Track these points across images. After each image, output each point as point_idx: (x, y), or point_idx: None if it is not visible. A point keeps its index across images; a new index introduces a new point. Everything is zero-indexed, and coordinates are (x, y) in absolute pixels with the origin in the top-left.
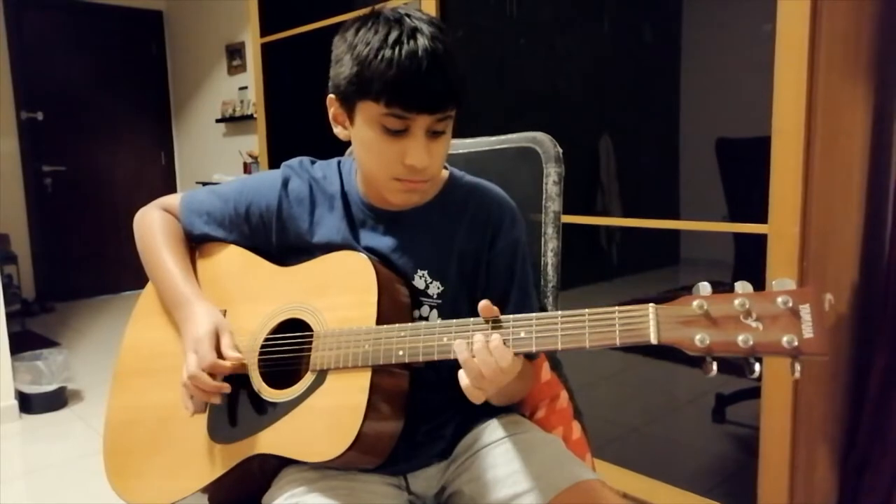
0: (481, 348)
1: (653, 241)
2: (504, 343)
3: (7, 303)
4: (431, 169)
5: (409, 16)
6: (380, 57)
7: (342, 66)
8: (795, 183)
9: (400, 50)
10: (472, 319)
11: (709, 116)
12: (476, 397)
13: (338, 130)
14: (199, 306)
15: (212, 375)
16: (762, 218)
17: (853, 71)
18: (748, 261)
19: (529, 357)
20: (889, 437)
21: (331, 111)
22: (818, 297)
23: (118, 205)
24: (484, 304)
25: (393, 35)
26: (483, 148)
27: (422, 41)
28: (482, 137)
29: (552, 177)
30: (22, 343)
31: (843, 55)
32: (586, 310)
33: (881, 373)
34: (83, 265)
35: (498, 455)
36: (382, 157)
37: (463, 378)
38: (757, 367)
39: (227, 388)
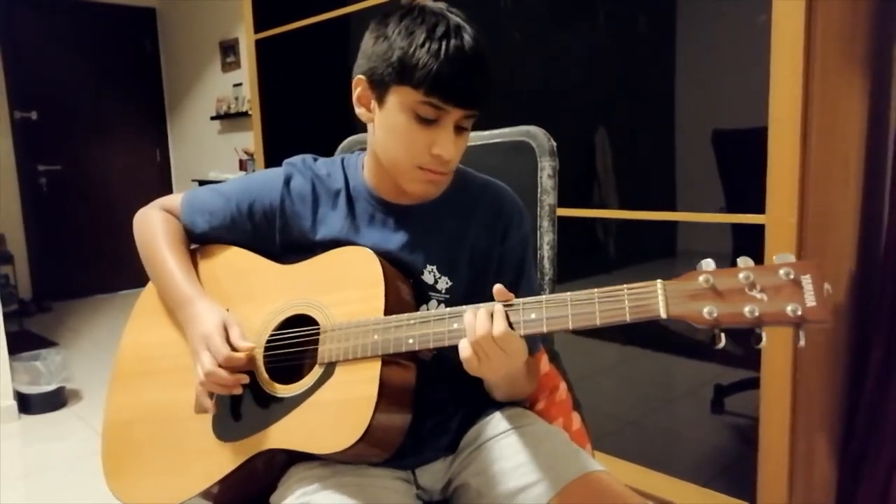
0: (483, 314)
1: (650, 234)
2: (512, 326)
3: (4, 303)
4: (454, 162)
5: (451, 12)
6: (426, 47)
7: (381, 50)
8: (792, 173)
9: (447, 43)
10: (482, 305)
11: (705, 108)
12: (473, 368)
13: (360, 111)
14: (202, 305)
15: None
16: (759, 208)
17: (849, 61)
18: (746, 252)
19: (530, 352)
20: (886, 428)
21: (356, 91)
22: (818, 268)
23: (114, 203)
24: (498, 288)
25: (440, 28)
26: (477, 142)
27: (467, 38)
28: (476, 132)
29: (547, 170)
30: (20, 343)
31: (838, 45)
32: (595, 289)
33: (878, 363)
34: (80, 264)
35: (503, 447)
36: (410, 143)
37: (465, 348)
38: (763, 337)
39: (246, 378)
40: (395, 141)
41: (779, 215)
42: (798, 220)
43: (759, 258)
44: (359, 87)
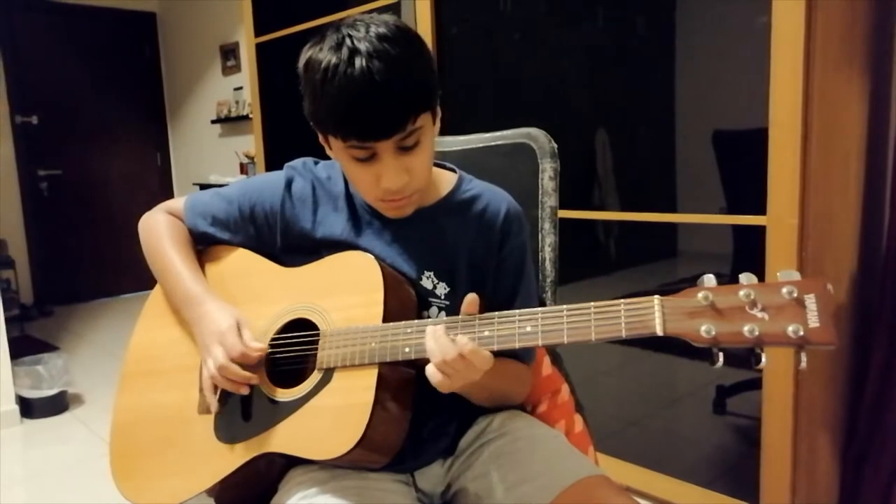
0: (443, 337)
1: (651, 235)
2: (505, 336)
3: (5, 308)
4: (413, 183)
5: (350, 35)
6: (323, 93)
7: (305, 99)
8: (793, 174)
9: (339, 81)
10: (477, 316)
11: (705, 109)
12: (441, 385)
13: (329, 152)
14: (212, 303)
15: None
16: (760, 209)
17: (849, 61)
18: (746, 252)
19: (524, 359)
20: (888, 429)
21: (320, 138)
22: (824, 288)
23: (115, 207)
24: (470, 298)
25: (332, 64)
26: (478, 145)
27: (359, 64)
28: (477, 134)
29: (548, 172)
30: (21, 348)
31: (838, 46)
32: (591, 303)
33: (880, 364)
34: (81, 269)
35: (500, 451)
36: (360, 182)
37: (433, 374)
38: (763, 357)
39: (256, 378)
40: (351, 181)
41: (780, 216)
42: (799, 220)
43: (760, 259)
44: (317, 133)
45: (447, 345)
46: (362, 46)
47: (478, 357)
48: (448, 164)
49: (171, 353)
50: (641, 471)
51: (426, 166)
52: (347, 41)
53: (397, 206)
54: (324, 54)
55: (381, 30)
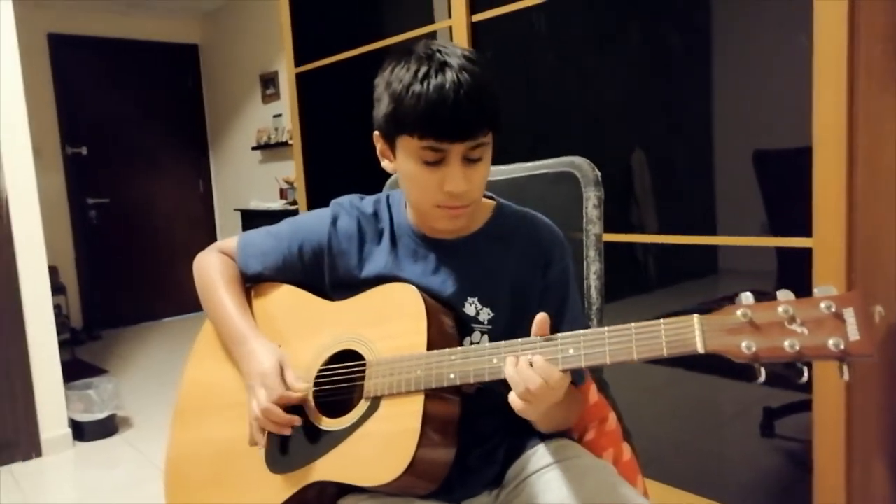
0: (524, 367)
1: (691, 253)
2: (548, 360)
3: (57, 332)
4: (471, 193)
5: (440, 51)
6: (410, 93)
7: (381, 105)
8: (839, 194)
9: (428, 84)
10: (520, 340)
11: (745, 128)
12: (522, 410)
13: (385, 164)
14: (257, 343)
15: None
16: (805, 230)
17: (894, 77)
18: (790, 270)
19: (576, 383)
20: None
21: (378, 147)
22: (862, 301)
23: (159, 233)
24: (540, 318)
25: (423, 70)
26: (522, 174)
27: (450, 74)
28: (520, 163)
29: (592, 200)
30: (72, 371)
31: (882, 62)
32: (632, 324)
33: None
34: (127, 293)
35: (547, 482)
36: (424, 186)
37: (511, 395)
38: (805, 372)
39: (298, 420)
40: (412, 186)
41: (826, 237)
42: (846, 242)
43: (805, 279)
44: (378, 143)
45: (527, 372)
46: (453, 61)
47: (551, 376)
48: (487, 193)
49: (222, 389)
50: (689, 496)
51: (483, 182)
52: (438, 55)
53: (453, 215)
54: (413, 64)
55: (467, 53)
